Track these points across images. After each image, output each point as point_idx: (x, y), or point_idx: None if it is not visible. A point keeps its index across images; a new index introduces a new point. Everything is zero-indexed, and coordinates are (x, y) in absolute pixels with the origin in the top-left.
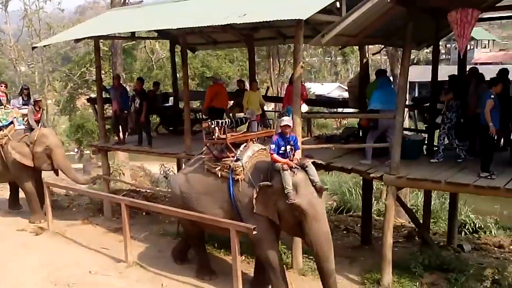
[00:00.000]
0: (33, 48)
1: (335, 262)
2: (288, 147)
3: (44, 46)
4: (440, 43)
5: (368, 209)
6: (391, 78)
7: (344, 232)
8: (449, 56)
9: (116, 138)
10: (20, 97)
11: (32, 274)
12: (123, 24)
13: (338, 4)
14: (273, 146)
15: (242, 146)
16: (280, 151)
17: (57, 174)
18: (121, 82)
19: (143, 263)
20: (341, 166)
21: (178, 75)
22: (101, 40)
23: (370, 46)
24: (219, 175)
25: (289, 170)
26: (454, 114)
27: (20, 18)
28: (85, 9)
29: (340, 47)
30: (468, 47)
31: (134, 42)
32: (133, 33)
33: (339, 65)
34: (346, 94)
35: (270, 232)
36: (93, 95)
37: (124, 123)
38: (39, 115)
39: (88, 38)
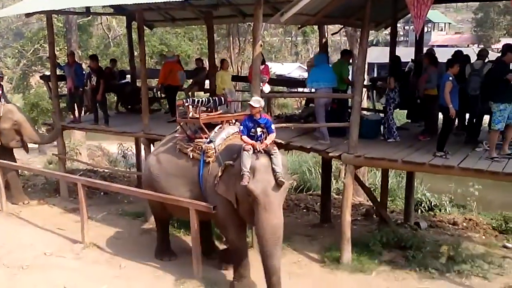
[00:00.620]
0: None
1: (295, 240)
2: (259, 129)
3: None
4: (399, 25)
5: (327, 188)
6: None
7: (304, 210)
8: (407, 38)
9: (72, 116)
10: None
11: None
12: None
13: None
14: (241, 128)
15: (217, 127)
16: (251, 134)
17: (27, 151)
18: (76, 59)
19: (101, 244)
20: (300, 146)
21: (135, 52)
22: (55, 16)
23: (329, 26)
24: (191, 156)
25: (250, 152)
26: (397, 94)
27: None
28: None
29: (299, 26)
30: (426, 30)
31: (89, 18)
32: (88, 9)
33: (300, 45)
34: (306, 74)
35: (234, 214)
36: (47, 73)
37: (80, 101)
38: (0, 91)
39: (40, 12)
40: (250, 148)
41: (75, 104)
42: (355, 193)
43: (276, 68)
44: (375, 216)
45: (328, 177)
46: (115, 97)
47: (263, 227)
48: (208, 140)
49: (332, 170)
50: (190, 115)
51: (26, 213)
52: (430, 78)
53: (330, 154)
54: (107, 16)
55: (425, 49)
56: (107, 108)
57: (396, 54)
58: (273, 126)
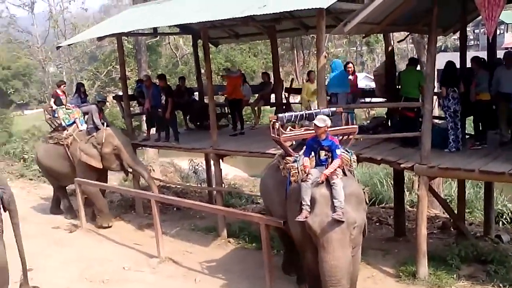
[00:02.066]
0: (58, 47)
1: (369, 255)
2: (323, 152)
3: (70, 45)
4: (468, 28)
5: (401, 200)
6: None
7: (377, 224)
8: (478, 42)
9: (145, 134)
10: (77, 95)
11: (66, 271)
12: (144, 20)
13: None
14: (304, 148)
15: None
16: (315, 156)
17: (127, 174)
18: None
19: (176, 258)
20: (370, 157)
21: (202, 70)
22: (125, 38)
23: (395, 34)
24: (282, 174)
25: (309, 182)
26: (451, 101)
27: (46, 19)
28: (109, 7)
29: (364, 35)
30: (498, 32)
31: (157, 38)
32: (155, 29)
33: (365, 54)
34: (373, 84)
35: (311, 238)
36: (119, 93)
37: (158, 120)
38: (101, 115)
39: (110, 35)
40: (309, 179)
41: (154, 123)
42: (430, 205)
43: None
44: (452, 229)
45: (400, 189)
46: (184, 114)
47: (321, 266)
48: (293, 159)
49: (405, 181)
50: (275, 132)
51: (104, 229)
52: (479, 82)
53: (402, 166)
54: (174, 36)
55: (499, 52)
56: (177, 126)
57: (449, 59)
58: (338, 151)
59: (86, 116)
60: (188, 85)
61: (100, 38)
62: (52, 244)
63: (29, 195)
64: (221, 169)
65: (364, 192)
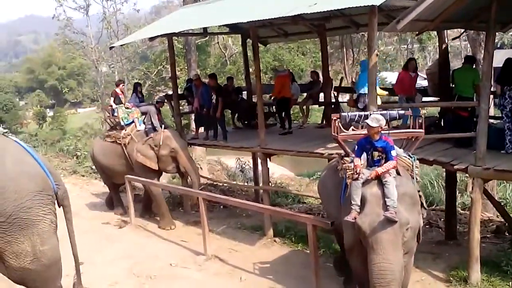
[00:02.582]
0: (111, 48)
1: (418, 258)
2: (376, 153)
3: (122, 46)
4: None
5: (452, 203)
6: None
7: (427, 226)
8: None
9: (193, 133)
10: (135, 95)
11: (115, 266)
12: (194, 20)
13: None
14: (356, 148)
15: None
16: (368, 157)
17: (182, 177)
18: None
19: (222, 256)
20: (422, 158)
21: (250, 69)
22: (175, 38)
23: (448, 31)
24: (340, 175)
25: (360, 182)
26: (508, 100)
27: (100, 21)
28: (160, 8)
29: (417, 33)
30: None
31: (207, 38)
32: (205, 29)
33: (416, 52)
34: (424, 83)
35: (357, 242)
36: (169, 92)
37: (207, 119)
38: (160, 115)
39: (161, 36)
40: (361, 178)
41: (202, 122)
42: (483, 208)
43: (393, 77)
44: (507, 234)
45: (452, 191)
46: (232, 113)
47: (370, 269)
48: (351, 159)
49: (457, 183)
50: (335, 130)
51: (152, 225)
52: None
53: (455, 167)
54: (223, 36)
55: None
56: (225, 124)
57: (509, 57)
58: (394, 152)
59: (144, 116)
60: (236, 84)
61: (151, 39)
62: (102, 239)
63: (82, 191)
64: (268, 168)
65: (420, 195)
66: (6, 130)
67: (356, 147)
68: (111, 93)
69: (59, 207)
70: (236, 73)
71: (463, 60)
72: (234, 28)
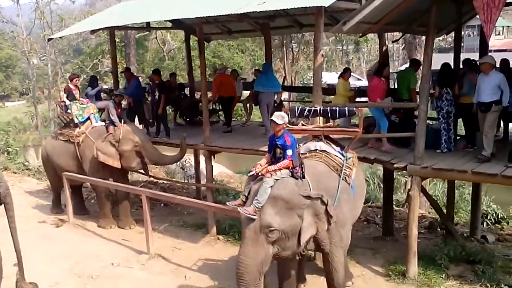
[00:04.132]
0: (49, 40)
1: (358, 253)
2: (278, 150)
3: (58, 38)
4: None
5: (389, 200)
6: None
7: (365, 223)
8: (463, 44)
9: None
10: (91, 89)
11: (54, 266)
12: (139, 14)
13: None
14: (268, 143)
15: (307, 142)
16: (277, 154)
17: (147, 173)
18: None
19: (165, 255)
20: (363, 157)
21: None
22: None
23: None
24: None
25: (251, 176)
26: (444, 103)
27: (32, 11)
28: (94, 1)
29: (360, 35)
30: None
31: (146, 33)
32: (147, 24)
33: (351, 53)
34: (358, 83)
35: None
36: (105, 86)
37: (141, 114)
38: (119, 110)
39: (104, 28)
40: (253, 172)
41: (136, 117)
42: None
43: (328, 78)
44: (439, 229)
45: (390, 188)
46: (174, 110)
47: None
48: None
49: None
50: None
51: (91, 224)
52: (462, 85)
53: (395, 165)
54: (162, 31)
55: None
56: (167, 121)
57: (445, 61)
58: (289, 152)
59: (101, 113)
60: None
61: (93, 31)
62: (39, 238)
63: (14, 189)
64: (212, 166)
65: (324, 201)
66: None
67: (268, 143)
68: (64, 89)
69: (0, 205)
70: (175, 69)
71: (405, 62)
72: (177, 24)
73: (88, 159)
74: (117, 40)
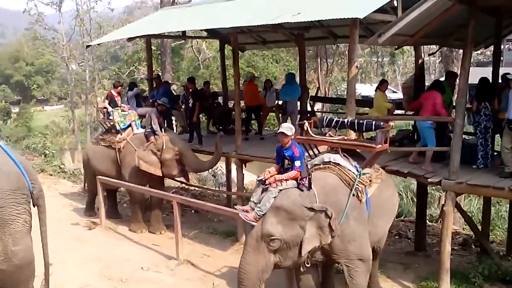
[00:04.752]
0: (87, 46)
1: (389, 268)
2: (286, 161)
3: (96, 44)
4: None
5: (423, 215)
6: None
7: (396, 237)
8: (502, 58)
9: None
10: (131, 96)
11: (85, 268)
12: (175, 23)
13: (395, 3)
14: (276, 155)
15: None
16: (285, 165)
17: (187, 180)
18: (163, 80)
19: (194, 261)
20: (396, 170)
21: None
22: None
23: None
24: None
25: (260, 183)
26: (482, 118)
27: (72, 18)
28: (132, 9)
29: (396, 47)
30: None
31: (182, 41)
32: (183, 33)
33: (386, 65)
34: (393, 96)
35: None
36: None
37: (168, 120)
38: (161, 119)
39: (141, 36)
40: (262, 178)
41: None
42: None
43: (362, 89)
44: (473, 246)
45: (423, 203)
46: (207, 118)
47: None
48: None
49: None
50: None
51: (123, 227)
52: (501, 100)
53: (429, 180)
54: (198, 40)
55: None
56: (200, 129)
57: (482, 75)
58: (297, 163)
59: (142, 119)
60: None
61: (130, 39)
62: (72, 240)
63: (49, 191)
64: (243, 174)
65: (329, 214)
66: None
67: (276, 154)
68: (107, 95)
69: (34, 206)
70: (209, 77)
71: (441, 76)
72: (212, 33)
73: (127, 165)
74: (153, 48)
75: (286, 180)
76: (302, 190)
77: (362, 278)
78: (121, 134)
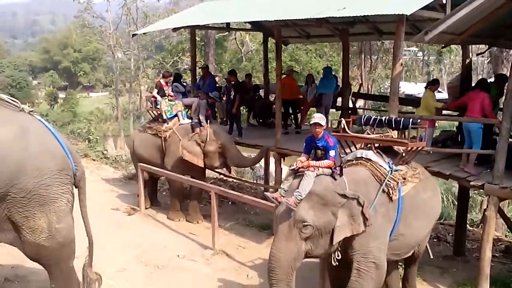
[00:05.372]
0: (133, 35)
1: (426, 271)
2: (319, 152)
3: (141, 34)
4: None
5: (463, 219)
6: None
7: (435, 240)
8: None
9: None
10: (178, 85)
11: (123, 253)
12: (220, 14)
13: (444, 0)
14: (304, 145)
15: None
16: (318, 156)
17: (230, 172)
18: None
19: (229, 252)
20: (438, 171)
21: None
22: (196, 30)
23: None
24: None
25: (292, 169)
26: None
27: (120, 7)
28: None
29: (443, 45)
30: None
31: (226, 33)
32: (227, 24)
33: (432, 64)
34: (438, 95)
35: None
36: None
37: (212, 112)
38: (209, 112)
39: (186, 27)
40: (295, 167)
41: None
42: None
43: (406, 88)
44: None
45: (464, 207)
46: (248, 111)
47: None
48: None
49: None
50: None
51: (161, 215)
52: None
53: (471, 183)
54: (241, 32)
55: None
56: (240, 121)
57: None
58: (332, 153)
59: (187, 109)
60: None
61: (175, 29)
62: (111, 225)
63: (91, 175)
64: (281, 168)
65: (362, 203)
66: (32, 109)
67: (304, 144)
68: (156, 84)
69: (75, 187)
70: (251, 70)
71: (489, 77)
72: (256, 26)
73: (171, 154)
74: (197, 39)
75: (320, 168)
76: (335, 179)
77: (370, 285)
78: (167, 123)
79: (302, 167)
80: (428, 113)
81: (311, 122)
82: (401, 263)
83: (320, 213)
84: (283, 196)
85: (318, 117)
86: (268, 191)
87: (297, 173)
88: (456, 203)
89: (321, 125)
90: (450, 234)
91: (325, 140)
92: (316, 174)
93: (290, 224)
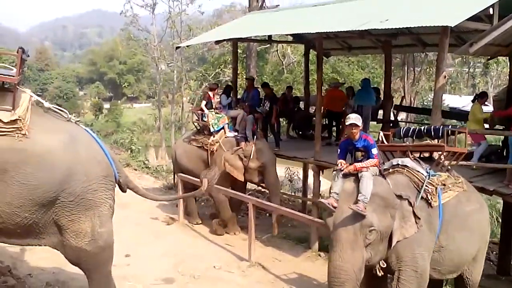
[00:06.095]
0: (177, 48)
1: None
2: (359, 153)
3: (185, 46)
4: None
5: (508, 237)
6: None
7: None
8: None
9: None
10: (226, 97)
11: (160, 261)
12: (262, 27)
13: (490, 11)
14: (338, 151)
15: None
16: (352, 158)
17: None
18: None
19: (265, 264)
20: (481, 187)
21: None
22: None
23: None
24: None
25: (340, 173)
26: None
27: (165, 20)
28: (222, 12)
29: (489, 57)
30: None
31: (268, 45)
32: (269, 37)
33: (478, 76)
34: (484, 109)
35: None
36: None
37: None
38: (255, 127)
39: (228, 40)
40: (340, 168)
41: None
42: None
43: (450, 100)
44: None
45: (509, 224)
46: (287, 122)
47: (328, 268)
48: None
49: None
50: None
51: (200, 226)
52: None
53: None
54: (283, 44)
55: None
56: (279, 132)
57: None
58: (374, 150)
59: (232, 121)
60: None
61: (218, 41)
62: (150, 234)
63: None
64: (320, 181)
65: (412, 204)
66: (78, 119)
67: (339, 150)
68: (204, 96)
69: (125, 192)
70: (292, 82)
71: None
72: (298, 38)
73: (217, 167)
74: (239, 51)
75: (367, 167)
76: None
77: None
78: (214, 136)
79: (349, 170)
80: (477, 127)
81: (346, 123)
82: None
83: (382, 216)
84: (336, 200)
85: (353, 118)
86: (306, 204)
87: (346, 176)
88: (501, 220)
89: (357, 126)
90: (494, 253)
91: (364, 139)
92: (371, 174)
93: (355, 231)
